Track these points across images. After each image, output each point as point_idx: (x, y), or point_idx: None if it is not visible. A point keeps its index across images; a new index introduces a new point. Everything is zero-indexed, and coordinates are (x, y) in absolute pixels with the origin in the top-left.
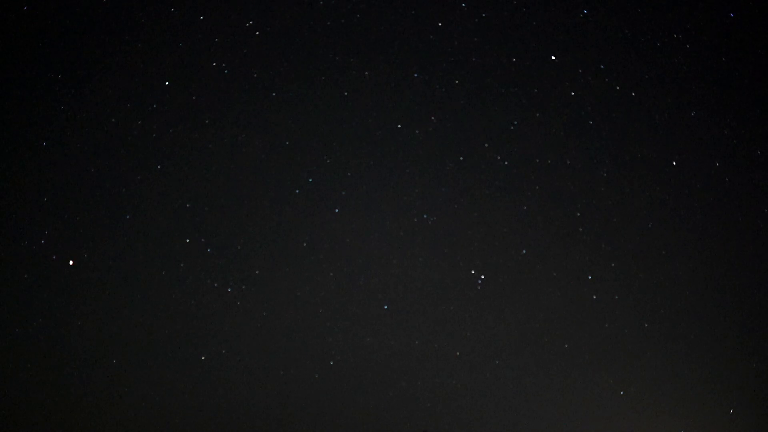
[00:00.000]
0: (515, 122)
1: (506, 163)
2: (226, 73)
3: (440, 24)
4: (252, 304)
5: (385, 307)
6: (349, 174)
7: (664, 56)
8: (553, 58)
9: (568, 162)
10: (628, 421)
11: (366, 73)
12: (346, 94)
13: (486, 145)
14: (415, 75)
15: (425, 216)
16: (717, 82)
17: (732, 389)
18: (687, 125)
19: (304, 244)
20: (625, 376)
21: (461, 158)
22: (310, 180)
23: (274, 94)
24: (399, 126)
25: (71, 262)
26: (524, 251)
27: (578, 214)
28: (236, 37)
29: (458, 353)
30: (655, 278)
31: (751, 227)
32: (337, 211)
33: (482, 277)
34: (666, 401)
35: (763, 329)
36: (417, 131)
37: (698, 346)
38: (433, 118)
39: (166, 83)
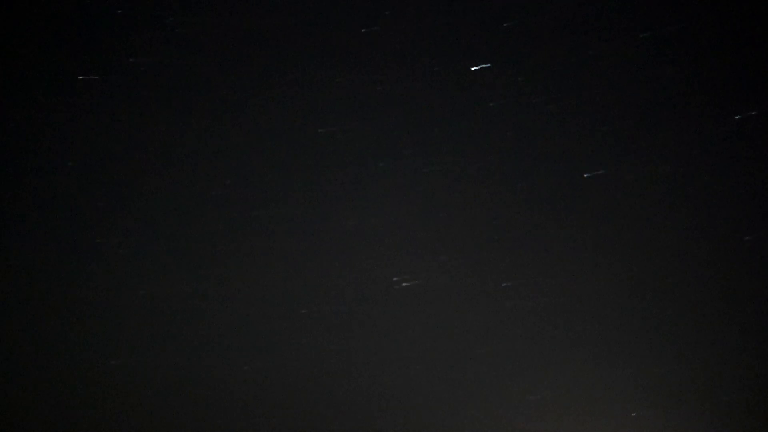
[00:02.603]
0: (435, 126)
1: (427, 169)
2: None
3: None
4: (164, 308)
5: (303, 311)
6: (269, 177)
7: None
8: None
9: (490, 167)
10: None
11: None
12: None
13: (411, 150)
14: (337, 80)
15: (349, 221)
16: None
17: (639, 391)
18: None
19: (228, 246)
20: (537, 381)
21: (382, 162)
22: (228, 182)
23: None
24: (320, 130)
25: None
26: (445, 258)
27: (495, 222)
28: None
29: (375, 357)
30: (577, 283)
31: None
32: (257, 214)
33: (404, 283)
34: (578, 405)
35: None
36: (337, 133)
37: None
38: (354, 120)
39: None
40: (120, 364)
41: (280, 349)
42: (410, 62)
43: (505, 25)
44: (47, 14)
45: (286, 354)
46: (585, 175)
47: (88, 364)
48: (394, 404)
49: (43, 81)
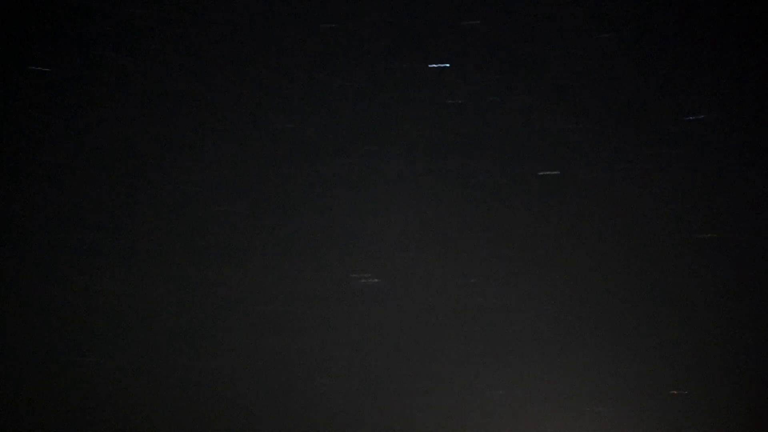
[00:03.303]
0: (394, 123)
1: (386, 166)
2: None
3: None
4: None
5: (268, 307)
6: (229, 174)
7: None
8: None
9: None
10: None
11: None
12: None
13: (369, 147)
14: (296, 77)
15: (309, 218)
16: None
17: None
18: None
19: (191, 242)
20: (494, 377)
21: (341, 159)
22: (187, 178)
23: None
24: (278, 127)
25: None
26: (405, 255)
27: (457, 220)
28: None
29: (339, 355)
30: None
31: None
32: (221, 209)
33: (363, 280)
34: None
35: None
36: (296, 130)
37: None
38: (313, 117)
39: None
40: (86, 361)
41: (244, 345)
42: (369, 60)
43: (463, 23)
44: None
45: (249, 351)
46: (539, 173)
47: (59, 362)
48: (357, 400)
49: None
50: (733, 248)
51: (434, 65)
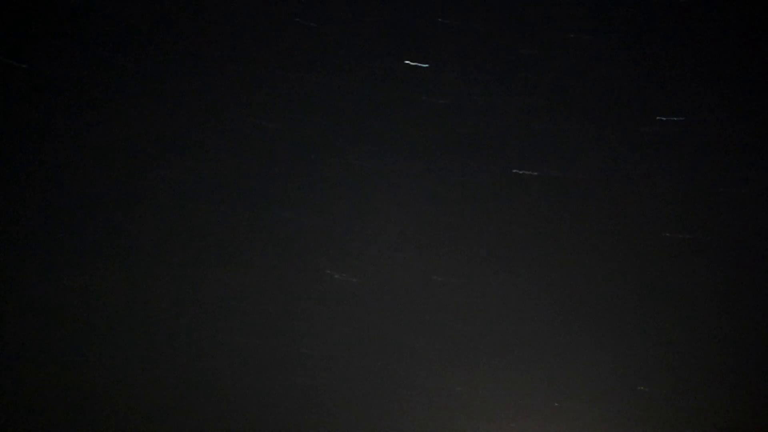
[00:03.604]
0: (371, 121)
1: (361, 164)
2: None
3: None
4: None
5: (241, 304)
6: (205, 170)
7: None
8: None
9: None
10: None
11: None
12: None
13: (345, 145)
14: (275, 74)
15: (283, 214)
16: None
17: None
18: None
19: (168, 239)
20: (465, 373)
21: (315, 156)
22: (161, 174)
23: None
24: (255, 123)
25: None
26: (379, 253)
27: (429, 218)
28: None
29: (317, 353)
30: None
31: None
32: (194, 207)
33: (336, 275)
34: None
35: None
36: (273, 127)
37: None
38: (291, 113)
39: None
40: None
41: (217, 342)
42: (345, 57)
43: (440, 21)
44: None
45: (221, 347)
46: (514, 171)
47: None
48: (328, 396)
49: None
50: (706, 249)
51: (411, 63)
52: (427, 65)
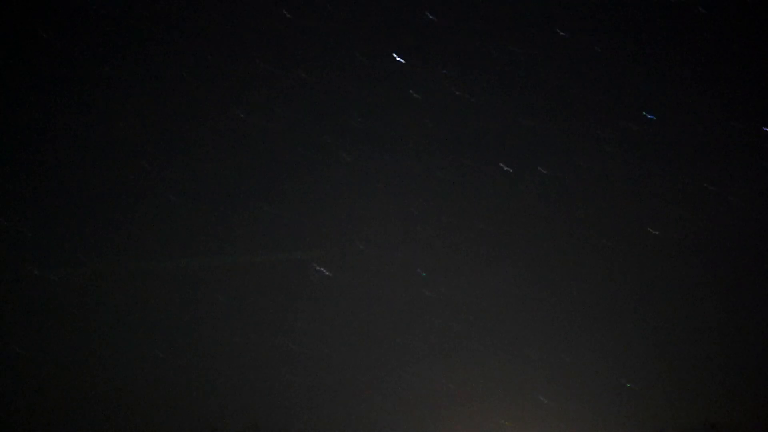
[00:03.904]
0: (357, 115)
1: (347, 158)
2: None
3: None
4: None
5: (220, 298)
6: (184, 162)
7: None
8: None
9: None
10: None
11: None
12: None
13: (327, 138)
14: (260, 66)
15: (264, 208)
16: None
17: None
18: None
19: (146, 230)
20: (449, 368)
21: (301, 148)
22: (140, 166)
23: None
24: (241, 115)
25: None
26: (361, 246)
27: (414, 212)
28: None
29: (295, 347)
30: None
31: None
32: (174, 200)
33: (318, 267)
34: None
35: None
36: (258, 120)
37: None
38: (276, 106)
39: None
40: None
41: (196, 334)
42: (333, 51)
43: (428, 16)
44: None
45: (199, 339)
46: (502, 167)
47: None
48: (317, 392)
49: None
50: (693, 247)
51: (399, 57)
52: (413, 61)
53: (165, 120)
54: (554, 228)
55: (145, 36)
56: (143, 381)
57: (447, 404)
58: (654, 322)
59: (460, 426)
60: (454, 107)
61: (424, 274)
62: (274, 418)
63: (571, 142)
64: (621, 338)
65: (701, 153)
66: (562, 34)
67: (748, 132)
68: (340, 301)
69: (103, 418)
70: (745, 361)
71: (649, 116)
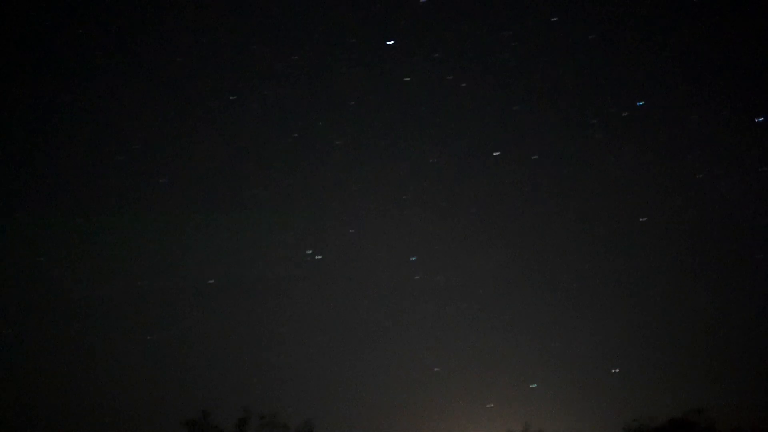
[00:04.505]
0: (350, 99)
1: (339, 141)
2: None
3: None
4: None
5: (211, 281)
6: (167, 146)
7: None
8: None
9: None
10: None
11: None
12: None
13: (321, 123)
14: (252, 48)
15: (254, 191)
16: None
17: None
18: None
19: (130, 217)
20: (441, 352)
21: (295, 133)
22: (118, 158)
23: None
24: (231, 98)
25: None
26: (352, 230)
27: (404, 198)
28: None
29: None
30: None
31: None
32: (163, 181)
33: (310, 251)
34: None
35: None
36: (249, 103)
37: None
38: (267, 89)
39: None
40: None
41: (189, 318)
42: (325, 34)
43: (420, 0)
44: None
45: (192, 323)
46: (494, 154)
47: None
48: (303, 375)
49: None
50: (681, 234)
51: (391, 41)
52: (404, 46)
53: (155, 103)
54: (545, 214)
55: (138, 20)
56: (135, 365)
57: (441, 389)
58: (641, 308)
59: (447, 408)
60: (445, 92)
61: (414, 258)
62: (264, 400)
63: (563, 128)
64: (609, 324)
65: (691, 142)
66: (554, 20)
67: (738, 121)
68: (331, 285)
69: (96, 404)
70: (731, 346)
71: (638, 103)
